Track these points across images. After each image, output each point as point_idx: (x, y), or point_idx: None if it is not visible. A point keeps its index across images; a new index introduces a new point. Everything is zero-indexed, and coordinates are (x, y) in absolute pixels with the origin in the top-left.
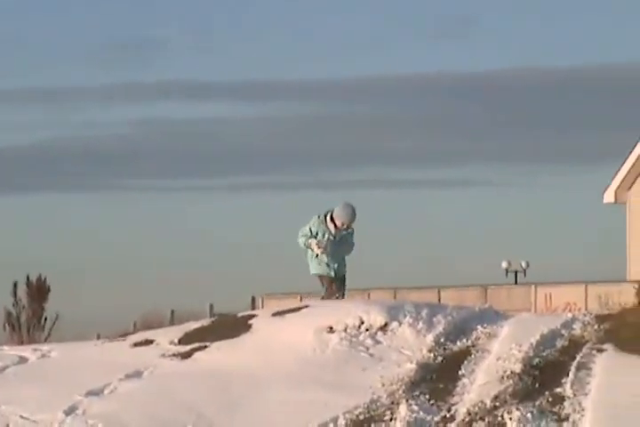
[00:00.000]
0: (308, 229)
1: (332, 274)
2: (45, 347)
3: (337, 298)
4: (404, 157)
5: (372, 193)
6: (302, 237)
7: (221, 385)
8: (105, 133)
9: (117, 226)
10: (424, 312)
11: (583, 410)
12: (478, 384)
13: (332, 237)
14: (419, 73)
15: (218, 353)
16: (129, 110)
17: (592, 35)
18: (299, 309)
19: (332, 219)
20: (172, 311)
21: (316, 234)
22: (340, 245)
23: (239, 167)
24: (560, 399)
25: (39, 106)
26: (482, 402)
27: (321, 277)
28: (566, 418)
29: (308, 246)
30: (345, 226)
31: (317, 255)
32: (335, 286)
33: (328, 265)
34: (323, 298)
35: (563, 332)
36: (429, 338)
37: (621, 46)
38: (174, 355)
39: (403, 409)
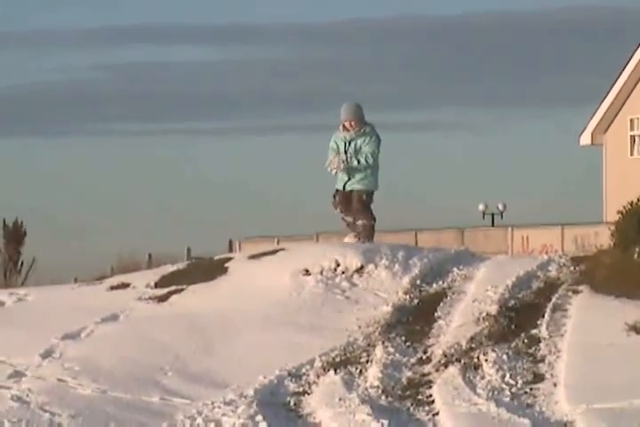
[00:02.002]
0: (332, 142)
1: (341, 187)
2: (22, 291)
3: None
4: (379, 100)
5: None
6: (330, 155)
7: (197, 328)
8: (75, 78)
9: (93, 170)
10: (400, 255)
11: (559, 351)
12: (454, 326)
13: (346, 144)
14: (391, 16)
15: (194, 296)
16: (100, 54)
17: None
18: (275, 251)
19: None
20: (150, 255)
21: (338, 146)
22: (354, 154)
23: (215, 110)
24: (536, 341)
25: (8, 51)
26: (458, 344)
27: (334, 194)
28: (542, 359)
29: (327, 166)
30: (351, 124)
31: (336, 172)
32: (352, 206)
33: (342, 179)
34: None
35: (539, 273)
36: (405, 280)
37: None
38: (150, 298)
39: (379, 351)
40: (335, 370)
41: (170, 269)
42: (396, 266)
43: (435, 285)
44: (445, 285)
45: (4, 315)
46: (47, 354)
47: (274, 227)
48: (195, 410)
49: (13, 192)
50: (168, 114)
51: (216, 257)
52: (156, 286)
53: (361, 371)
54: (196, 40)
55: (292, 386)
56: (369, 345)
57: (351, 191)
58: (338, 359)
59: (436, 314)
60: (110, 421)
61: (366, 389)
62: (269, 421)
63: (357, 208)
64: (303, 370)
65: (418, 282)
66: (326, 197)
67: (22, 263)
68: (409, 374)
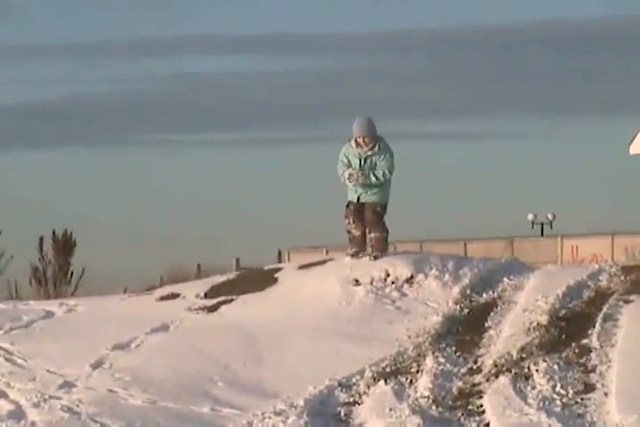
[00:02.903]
0: (342, 155)
1: (355, 199)
2: (72, 301)
3: (354, 232)
4: (428, 109)
5: (396, 146)
6: (340, 169)
7: (247, 338)
8: (131, 88)
9: (143, 180)
10: (450, 264)
11: (610, 361)
12: (505, 336)
13: (361, 161)
14: (442, 26)
15: (244, 306)
16: (155, 65)
17: None
18: (324, 262)
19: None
20: (199, 265)
21: (349, 160)
22: (370, 170)
23: (266, 121)
24: (587, 351)
25: (66, 61)
26: (508, 354)
27: (347, 204)
28: (593, 369)
29: (345, 179)
30: (364, 140)
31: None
32: (366, 218)
33: (356, 191)
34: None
35: (589, 283)
36: (455, 290)
37: None
38: (200, 308)
39: (429, 361)
40: (385, 380)
41: (220, 279)
42: (446, 276)
43: (485, 294)
44: (495, 294)
45: (54, 325)
46: (97, 364)
47: (323, 237)
48: (245, 420)
49: (65, 202)
50: (215, 124)
51: (266, 267)
52: (206, 296)
53: (411, 381)
54: (250, 49)
55: (342, 396)
56: (419, 355)
57: (363, 204)
58: (388, 369)
59: (486, 324)
60: None
61: (417, 399)
62: None
63: (372, 220)
64: (353, 380)
65: (468, 292)
66: None
67: (72, 274)
68: (459, 384)
